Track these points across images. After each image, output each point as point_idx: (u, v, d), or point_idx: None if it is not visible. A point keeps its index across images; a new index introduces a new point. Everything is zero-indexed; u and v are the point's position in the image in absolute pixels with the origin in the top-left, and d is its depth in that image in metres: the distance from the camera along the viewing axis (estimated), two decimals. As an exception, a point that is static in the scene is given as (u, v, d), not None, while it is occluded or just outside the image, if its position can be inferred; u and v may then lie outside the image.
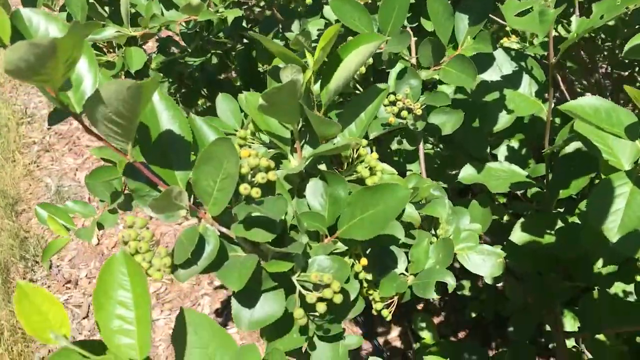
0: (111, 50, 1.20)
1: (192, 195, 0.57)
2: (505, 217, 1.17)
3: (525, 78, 0.95)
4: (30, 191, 2.57)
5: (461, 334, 1.74)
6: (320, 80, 0.69)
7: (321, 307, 0.55)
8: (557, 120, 1.10)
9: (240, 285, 0.52)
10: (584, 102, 0.69)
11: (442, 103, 0.83)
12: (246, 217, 0.53)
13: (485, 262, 0.89)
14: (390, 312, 0.79)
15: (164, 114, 0.54)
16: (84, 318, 1.97)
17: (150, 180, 0.56)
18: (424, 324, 1.39)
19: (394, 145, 0.91)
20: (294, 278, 0.58)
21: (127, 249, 0.56)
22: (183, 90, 1.44)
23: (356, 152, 0.70)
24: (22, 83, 3.23)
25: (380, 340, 1.81)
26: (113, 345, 0.39)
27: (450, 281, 0.81)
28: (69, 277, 2.15)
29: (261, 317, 0.58)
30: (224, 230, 0.57)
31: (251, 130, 0.75)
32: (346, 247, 0.65)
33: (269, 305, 0.59)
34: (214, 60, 1.39)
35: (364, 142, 0.67)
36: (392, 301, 0.82)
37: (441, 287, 0.83)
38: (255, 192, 0.54)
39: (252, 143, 0.75)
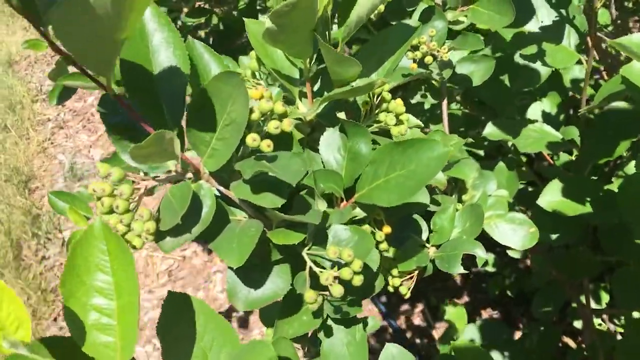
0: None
1: (183, 144, 0.42)
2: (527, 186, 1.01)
3: (566, 29, 0.78)
4: (44, 168, 2.45)
5: (484, 313, 1.58)
6: (337, 8, 0.53)
7: (337, 291, 0.42)
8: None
9: (240, 260, 0.41)
10: (637, 37, 0.56)
11: (474, 47, 0.68)
12: (253, 176, 0.41)
13: (516, 232, 0.74)
14: (409, 289, 0.64)
15: (157, 36, 0.42)
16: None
17: (132, 121, 0.44)
18: (451, 307, 1.24)
19: (416, 99, 0.75)
20: (304, 251, 0.43)
21: (100, 208, 0.41)
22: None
23: (378, 97, 0.55)
24: (38, 60, 3.09)
25: (398, 320, 1.65)
26: (88, 344, 0.28)
27: (480, 253, 0.66)
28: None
29: (262, 294, 0.47)
30: (221, 189, 0.43)
31: (251, 69, 0.60)
32: (365, 214, 0.51)
33: (272, 281, 0.45)
34: (214, 20, 1.22)
35: (388, 85, 0.51)
36: (412, 276, 0.67)
37: (467, 261, 0.68)
38: (266, 145, 0.42)
39: (258, 84, 0.59)
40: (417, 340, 1.59)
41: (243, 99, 0.39)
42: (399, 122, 0.55)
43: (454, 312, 1.25)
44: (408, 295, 0.67)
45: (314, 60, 0.55)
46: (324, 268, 0.45)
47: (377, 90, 0.54)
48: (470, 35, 0.71)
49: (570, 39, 0.82)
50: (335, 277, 0.43)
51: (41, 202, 2.28)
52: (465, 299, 1.65)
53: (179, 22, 1.20)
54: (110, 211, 0.41)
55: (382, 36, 0.57)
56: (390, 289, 0.64)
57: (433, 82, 0.74)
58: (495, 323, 1.26)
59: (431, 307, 1.64)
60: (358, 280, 0.44)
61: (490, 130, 0.85)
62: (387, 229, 0.55)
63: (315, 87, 0.58)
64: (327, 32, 0.56)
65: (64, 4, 0.28)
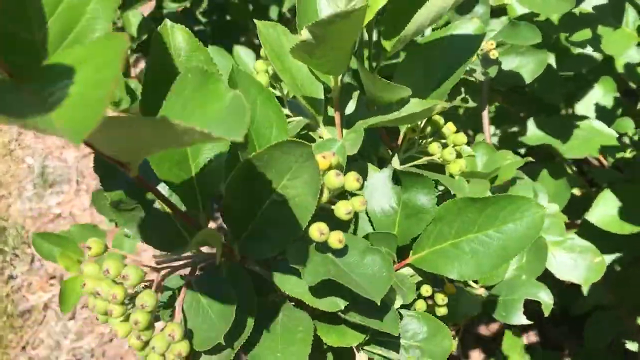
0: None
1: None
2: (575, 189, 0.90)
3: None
4: (10, 173, 2.28)
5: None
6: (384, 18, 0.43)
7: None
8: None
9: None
10: None
11: (528, 41, 0.57)
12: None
13: (578, 264, 0.65)
14: (457, 340, 0.55)
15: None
16: (70, 319, 1.72)
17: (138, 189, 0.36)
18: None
19: (456, 103, 0.65)
20: (362, 351, 0.33)
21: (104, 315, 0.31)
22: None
23: (426, 122, 0.44)
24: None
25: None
26: None
27: (545, 298, 0.57)
28: (52, 271, 1.89)
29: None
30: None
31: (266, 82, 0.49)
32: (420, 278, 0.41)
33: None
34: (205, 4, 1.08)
35: (444, 104, 0.40)
36: (458, 327, 0.57)
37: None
38: (337, 241, 0.33)
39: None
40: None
41: (311, 174, 0.30)
42: (459, 155, 0.44)
43: (508, 341, 1.15)
44: (454, 349, 0.57)
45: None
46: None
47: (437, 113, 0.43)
48: (522, 26, 0.60)
49: (629, 17, 0.71)
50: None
51: (7, 212, 2.13)
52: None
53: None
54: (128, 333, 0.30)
55: (436, 46, 0.46)
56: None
57: (472, 80, 0.63)
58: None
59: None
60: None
61: (533, 134, 0.75)
62: (451, 289, 0.45)
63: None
64: (365, 45, 0.46)
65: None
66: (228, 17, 1.19)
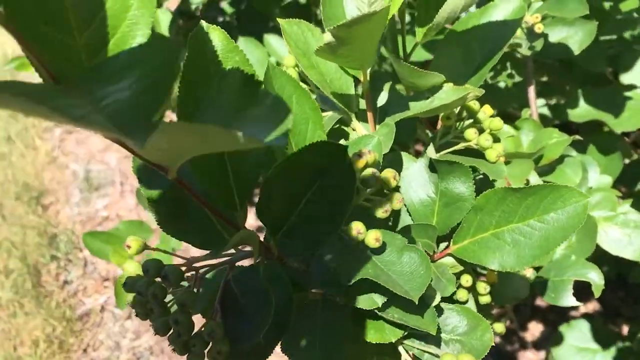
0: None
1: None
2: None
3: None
4: (56, 180, 2.37)
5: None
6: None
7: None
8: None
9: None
10: None
11: (575, 13, 0.56)
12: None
13: (632, 240, 0.63)
14: (505, 325, 0.55)
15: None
16: (127, 319, 1.80)
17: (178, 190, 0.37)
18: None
19: (502, 79, 0.64)
20: (402, 346, 0.34)
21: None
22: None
23: (461, 108, 0.45)
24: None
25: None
26: None
27: (596, 279, 0.56)
28: (106, 274, 1.97)
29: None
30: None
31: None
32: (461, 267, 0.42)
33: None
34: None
35: (477, 92, 0.41)
36: (506, 310, 0.57)
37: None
38: (374, 240, 0.33)
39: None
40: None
41: (345, 174, 0.31)
42: (496, 140, 0.45)
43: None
44: (503, 331, 0.58)
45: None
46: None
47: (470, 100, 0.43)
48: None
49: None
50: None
51: (57, 218, 2.22)
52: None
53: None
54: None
55: (474, 29, 0.46)
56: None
57: (517, 55, 0.63)
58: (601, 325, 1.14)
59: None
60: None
61: (582, 109, 0.73)
62: (492, 277, 0.45)
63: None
64: (397, 35, 0.47)
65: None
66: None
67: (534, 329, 1.46)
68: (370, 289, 0.33)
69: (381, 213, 0.33)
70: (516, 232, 0.38)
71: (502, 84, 0.75)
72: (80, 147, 2.58)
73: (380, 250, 0.34)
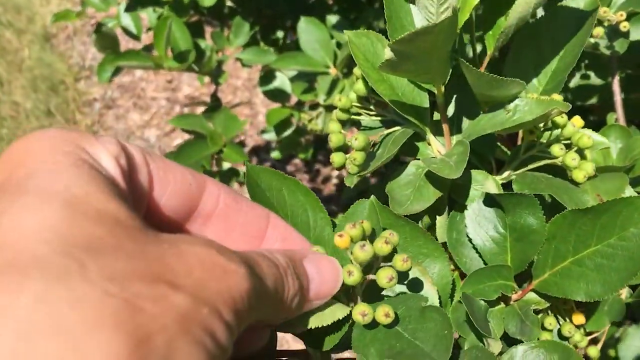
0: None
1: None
2: None
3: None
4: (96, 156, 2.44)
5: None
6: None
7: None
8: None
9: None
10: None
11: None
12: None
13: None
14: (599, 349, 0.53)
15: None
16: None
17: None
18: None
19: (575, 81, 0.62)
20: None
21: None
22: (262, 24, 1.18)
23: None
24: (77, 31, 3.03)
25: None
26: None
27: None
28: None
29: None
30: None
31: (358, 94, 0.47)
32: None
33: None
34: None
35: (562, 107, 0.39)
36: (597, 333, 0.56)
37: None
38: (384, 316, 0.32)
39: (359, 116, 0.48)
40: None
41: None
42: (584, 157, 0.43)
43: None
44: (598, 357, 0.55)
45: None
46: None
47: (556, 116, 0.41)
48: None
49: None
50: None
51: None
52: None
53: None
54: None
55: (545, 31, 0.44)
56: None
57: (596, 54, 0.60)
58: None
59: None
60: None
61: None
62: (579, 318, 0.44)
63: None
64: (469, 43, 0.45)
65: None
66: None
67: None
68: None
69: (386, 283, 0.31)
70: (597, 255, 0.37)
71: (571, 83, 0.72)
72: (120, 123, 2.63)
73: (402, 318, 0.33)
